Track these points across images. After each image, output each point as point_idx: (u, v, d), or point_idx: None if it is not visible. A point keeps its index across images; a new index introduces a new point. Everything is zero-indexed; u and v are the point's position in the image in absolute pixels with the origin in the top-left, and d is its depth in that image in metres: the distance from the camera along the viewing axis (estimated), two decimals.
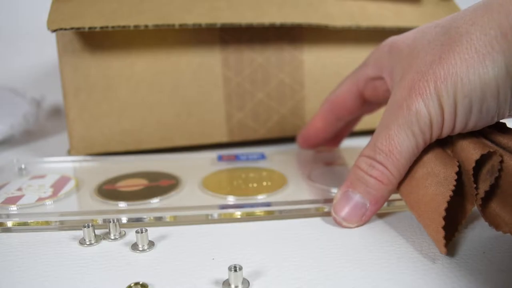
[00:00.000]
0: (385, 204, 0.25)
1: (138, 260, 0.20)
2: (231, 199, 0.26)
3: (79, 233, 0.23)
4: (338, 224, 0.23)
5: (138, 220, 0.24)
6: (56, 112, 0.59)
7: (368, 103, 0.30)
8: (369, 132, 0.45)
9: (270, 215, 0.24)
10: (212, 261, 0.20)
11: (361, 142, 0.42)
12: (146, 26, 0.33)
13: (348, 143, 0.42)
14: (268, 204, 0.25)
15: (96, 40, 0.35)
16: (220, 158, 0.34)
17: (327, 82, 0.41)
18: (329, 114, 0.31)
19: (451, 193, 0.20)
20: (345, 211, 0.23)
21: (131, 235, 0.22)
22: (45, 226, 0.23)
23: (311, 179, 0.30)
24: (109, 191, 0.28)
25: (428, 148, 0.22)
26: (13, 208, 0.25)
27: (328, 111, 0.31)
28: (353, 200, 0.23)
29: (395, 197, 0.25)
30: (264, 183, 0.29)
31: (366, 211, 0.23)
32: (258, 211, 0.24)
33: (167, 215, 0.24)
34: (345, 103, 0.30)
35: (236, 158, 0.34)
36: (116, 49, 0.35)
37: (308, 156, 0.35)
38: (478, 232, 0.22)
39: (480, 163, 0.21)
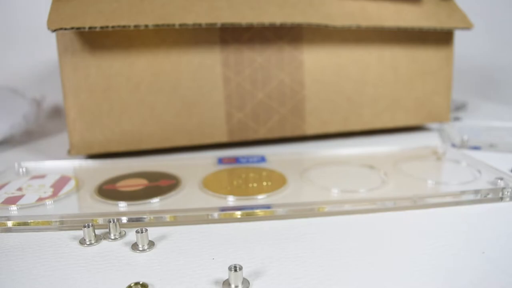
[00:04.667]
0: (390, 203, 0.25)
1: (138, 260, 0.20)
2: (231, 199, 0.26)
3: (79, 233, 0.23)
4: None
5: (138, 220, 0.24)
6: (56, 112, 0.59)
7: None
8: (369, 132, 0.45)
9: (270, 215, 0.24)
10: (212, 261, 0.20)
11: (361, 142, 0.42)
12: (146, 26, 0.33)
13: (348, 143, 0.42)
14: (268, 204, 0.25)
15: (96, 40, 0.35)
16: (221, 161, 0.34)
17: (327, 82, 0.41)
18: None
19: None
20: None
21: (131, 235, 0.22)
22: (45, 226, 0.23)
23: (311, 179, 0.30)
24: (109, 191, 0.28)
25: None
26: (13, 208, 0.25)
27: None
28: None
29: (397, 197, 0.25)
30: (264, 183, 0.29)
31: None
32: (258, 211, 0.24)
33: (167, 215, 0.24)
34: None
35: (236, 161, 0.34)
36: (116, 49, 0.35)
37: (308, 156, 0.35)
38: (478, 232, 0.22)
39: None
